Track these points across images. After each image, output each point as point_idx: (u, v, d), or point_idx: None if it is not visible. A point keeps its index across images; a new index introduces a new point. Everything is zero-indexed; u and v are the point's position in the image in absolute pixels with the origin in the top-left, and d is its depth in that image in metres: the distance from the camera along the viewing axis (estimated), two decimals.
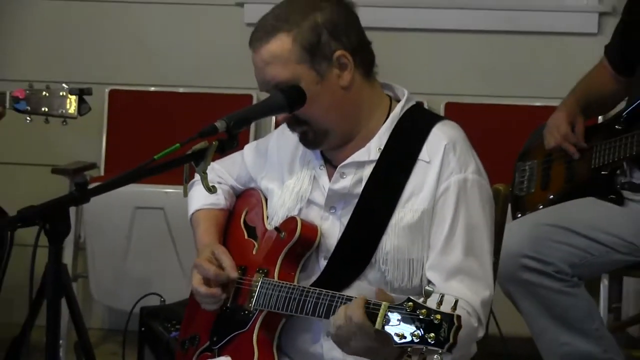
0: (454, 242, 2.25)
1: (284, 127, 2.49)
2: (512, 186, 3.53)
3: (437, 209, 2.27)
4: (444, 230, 2.26)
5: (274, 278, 2.33)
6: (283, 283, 2.29)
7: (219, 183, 2.56)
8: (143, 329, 3.24)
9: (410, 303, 1.92)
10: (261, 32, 2.29)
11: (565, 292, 3.14)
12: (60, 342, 3.13)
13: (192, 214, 2.57)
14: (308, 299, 2.22)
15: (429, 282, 2.26)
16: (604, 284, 3.63)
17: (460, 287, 2.22)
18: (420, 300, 1.92)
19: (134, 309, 3.24)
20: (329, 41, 2.28)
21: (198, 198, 2.55)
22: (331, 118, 2.30)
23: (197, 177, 2.42)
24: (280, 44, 2.26)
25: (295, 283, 2.31)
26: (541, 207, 3.42)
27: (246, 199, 2.58)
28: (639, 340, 3.79)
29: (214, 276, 2.36)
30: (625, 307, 3.87)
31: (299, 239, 2.32)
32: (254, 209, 2.53)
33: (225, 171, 2.60)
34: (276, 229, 2.36)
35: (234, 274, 2.37)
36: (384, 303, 1.97)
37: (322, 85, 2.28)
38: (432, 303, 1.92)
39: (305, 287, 2.25)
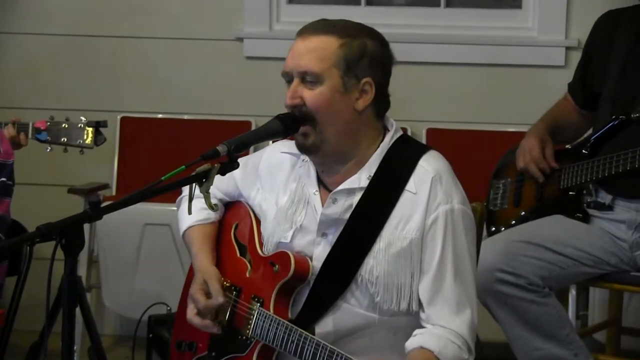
0: (444, 270, 2.24)
1: (274, 147, 2.47)
2: (486, 201, 3.53)
3: (427, 239, 2.25)
4: (435, 258, 2.24)
5: (269, 310, 2.28)
6: (280, 320, 2.26)
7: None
8: (151, 335, 3.22)
9: None
10: (316, 26, 2.27)
11: (537, 302, 3.13)
12: (75, 347, 3.12)
13: (185, 230, 2.52)
14: (307, 346, 2.19)
15: (420, 304, 2.25)
16: (572, 294, 3.64)
17: (451, 317, 2.22)
18: None
19: (143, 316, 3.23)
20: (365, 67, 2.26)
21: (189, 215, 2.48)
22: (334, 129, 2.26)
23: (184, 192, 2.40)
24: (329, 42, 2.24)
25: (289, 316, 2.28)
26: (514, 222, 3.41)
27: (236, 211, 2.53)
28: (605, 345, 3.77)
29: (204, 308, 2.34)
30: (591, 315, 3.86)
31: (292, 275, 2.28)
32: (243, 223, 2.48)
33: (214, 186, 2.55)
34: (270, 262, 2.32)
35: (220, 299, 2.34)
36: None
37: (342, 97, 2.25)
38: None
39: (303, 332, 2.22)
